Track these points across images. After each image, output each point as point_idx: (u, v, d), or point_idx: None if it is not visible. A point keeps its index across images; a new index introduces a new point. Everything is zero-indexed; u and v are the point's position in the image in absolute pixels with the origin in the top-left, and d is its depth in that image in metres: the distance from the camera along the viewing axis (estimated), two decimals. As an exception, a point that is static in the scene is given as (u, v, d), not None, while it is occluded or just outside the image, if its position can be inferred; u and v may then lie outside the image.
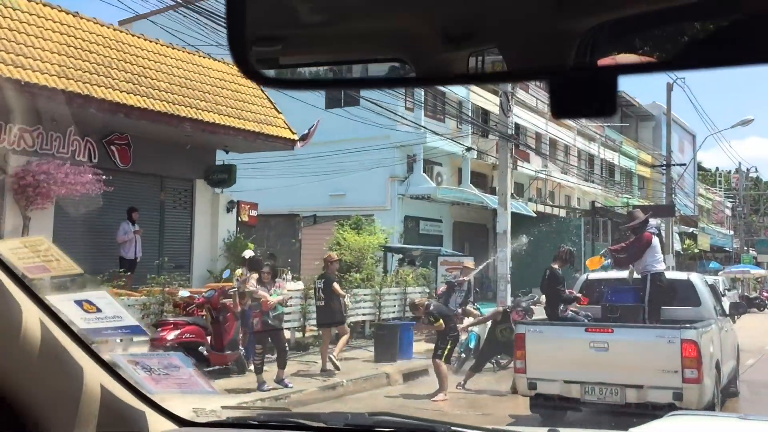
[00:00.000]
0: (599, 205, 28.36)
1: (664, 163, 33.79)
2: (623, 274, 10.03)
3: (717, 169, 72.48)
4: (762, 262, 60.45)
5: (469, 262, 12.95)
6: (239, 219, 16.37)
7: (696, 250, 37.34)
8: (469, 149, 21.54)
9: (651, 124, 47.19)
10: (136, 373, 2.04)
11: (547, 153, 33.51)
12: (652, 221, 10.86)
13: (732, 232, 56.69)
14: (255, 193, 23.16)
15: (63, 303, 1.92)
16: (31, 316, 1.61)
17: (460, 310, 11.89)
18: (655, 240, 9.83)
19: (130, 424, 1.89)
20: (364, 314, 14.56)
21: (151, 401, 1.98)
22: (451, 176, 25.91)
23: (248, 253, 12.09)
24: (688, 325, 8.21)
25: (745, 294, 38.44)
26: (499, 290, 17.10)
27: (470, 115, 25.26)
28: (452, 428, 2.01)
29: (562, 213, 28.47)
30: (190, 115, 13.55)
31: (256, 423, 2.18)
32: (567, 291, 9.89)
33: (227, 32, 1.08)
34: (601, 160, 38.61)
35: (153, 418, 1.95)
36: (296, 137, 16.08)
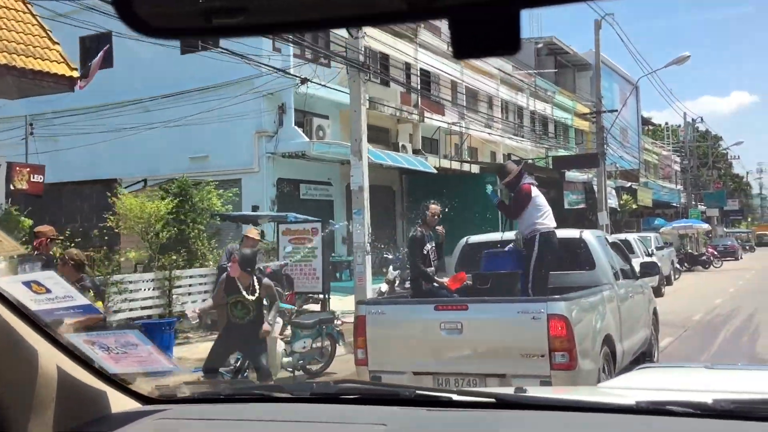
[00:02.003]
0: (516, 159, 24.68)
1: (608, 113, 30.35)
2: (509, 235, 8.55)
3: (666, 123, 69.63)
4: (711, 217, 58.01)
5: (252, 230, 9.21)
6: (12, 187, 12.39)
7: (634, 206, 34.05)
8: (304, 81, 17.51)
9: (589, 74, 43.61)
10: (95, 353, 1.99)
11: (464, 104, 29.78)
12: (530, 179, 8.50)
13: (681, 187, 53.79)
14: (91, 154, 19.18)
15: (11, 285, 1.90)
16: None
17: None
18: (537, 192, 8.17)
19: (92, 405, 1.89)
20: (142, 308, 10.74)
21: (113, 380, 1.99)
22: (342, 130, 22.02)
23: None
24: (557, 296, 6.60)
25: (689, 251, 35.35)
26: (356, 264, 13.34)
27: (366, 59, 21.32)
28: (417, 392, 2.03)
29: (476, 169, 24.72)
30: None
31: (222, 397, 2.20)
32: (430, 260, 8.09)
33: None
34: (531, 112, 35.00)
35: (115, 397, 1.96)
36: (77, 74, 12.06)
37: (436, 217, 8.53)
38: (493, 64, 31.06)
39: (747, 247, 58.14)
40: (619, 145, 44.53)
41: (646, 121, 63.78)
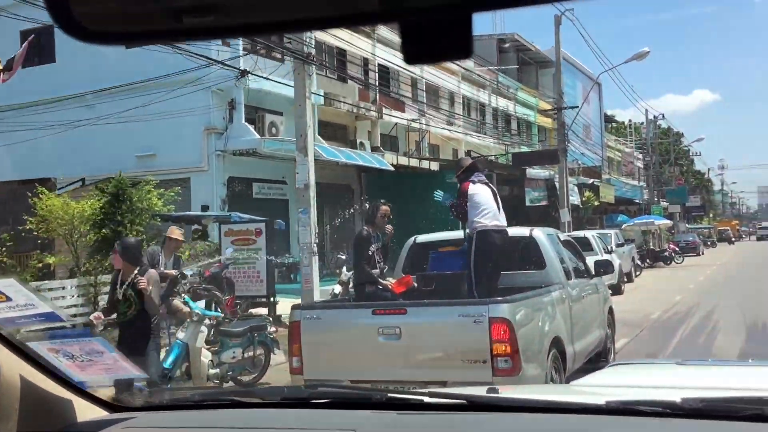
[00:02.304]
0: (476, 155, 24.26)
1: (569, 109, 30.08)
2: (458, 234, 8.39)
3: (630, 121, 69.99)
4: (674, 213, 58.37)
5: (174, 230, 8.56)
6: None
7: (596, 203, 33.90)
8: (243, 73, 16.83)
9: (552, 71, 43.44)
10: (59, 362, 1.94)
11: (425, 100, 29.32)
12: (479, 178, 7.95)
13: (644, 184, 53.98)
14: (32, 152, 18.31)
15: None
16: None
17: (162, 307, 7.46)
18: (476, 189, 7.68)
19: (57, 415, 1.86)
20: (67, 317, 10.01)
21: (79, 389, 1.95)
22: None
23: None
24: (499, 299, 6.29)
25: (651, 248, 35.31)
26: (302, 265, 12.74)
27: (312, 50, 20.71)
28: (389, 395, 2.03)
29: (436, 167, 24.23)
30: None
31: (191, 403, 2.16)
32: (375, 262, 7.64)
33: None
34: (493, 109, 34.67)
35: (81, 406, 1.93)
36: (-1, 67, 11.33)
37: (385, 218, 8.13)
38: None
39: (709, 243, 58.66)
40: (582, 141, 44.55)
41: (609, 119, 64.00)
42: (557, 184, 29.02)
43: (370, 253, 7.81)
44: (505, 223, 7.85)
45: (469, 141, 31.28)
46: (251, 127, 18.99)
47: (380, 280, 7.73)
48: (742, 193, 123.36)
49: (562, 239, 9.19)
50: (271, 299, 12.62)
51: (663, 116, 53.17)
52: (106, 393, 2.05)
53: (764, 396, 1.87)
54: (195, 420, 2.03)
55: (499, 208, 7.79)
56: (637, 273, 26.56)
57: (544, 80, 44.31)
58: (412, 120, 26.29)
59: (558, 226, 28.25)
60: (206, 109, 18.48)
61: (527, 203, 27.58)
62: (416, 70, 27.53)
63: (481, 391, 2.16)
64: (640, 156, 56.36)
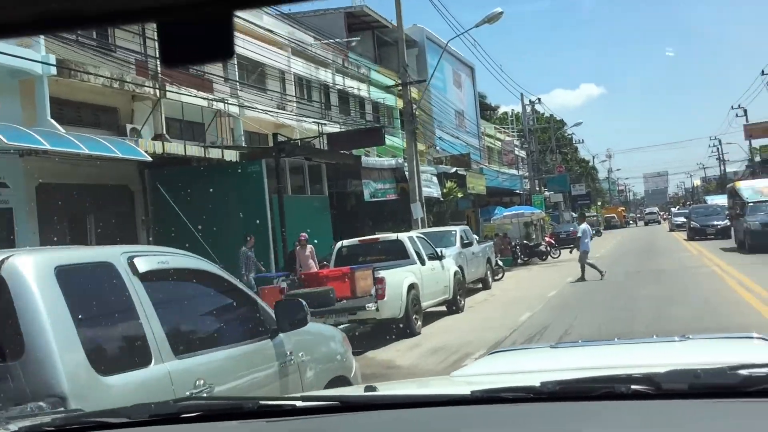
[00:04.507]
0: (283, 139, 18.96)
1: (415, 84, 25.23)
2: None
3: (512, 110, 66.54)
4: (557, 202, 55.13)
5: None
6: None
7: (459, 195, 29.32)
8: None
9: (414, 51, 38.85)
10: None
11: (247, 81, 23.84)
12: None
13: (525, 173, 50.19)
14: None
15: None
16: None
17: None
18: None
19: None
20: None
21: None
22: (24, 109, 15.55)
23: None
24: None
25: (525, 242, 31.07)
26: None
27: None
28: (260, 402, 2.02)
29: (234, 156, 18.70)
30: None
31: (52, 429, 2.09)
32: None
33: None
34: (338, 91, 29.54)
35: None
36: None
37: None
38: (281, 32, 25.33)
39: (594, 232, 55.71)
40: (453, 127, 40.17)
41: (486, 106, 60.36)
42: (407, 174, 24.19)
43: None
44: None
45: (307, 128, 25.96)
46: None
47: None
48: (628, 180, 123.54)
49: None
50: None
51: (539, 100, 49.56)
52: None
53: (616, 374, 1.89)
54: None
55: None
56: (498, 276, 22.00)
57: (409, 62, 39.54)
58: (216, 101, 20.74)
59: (411, 221, 23.52)
60: None
61: (366, 198, 22.54)
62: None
63: (358, 390, 2.32)
64: (518, 144, 52.64)
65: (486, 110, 59.32)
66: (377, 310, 11.79)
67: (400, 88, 24.62)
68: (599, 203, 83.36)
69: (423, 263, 13.89)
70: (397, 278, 12.45)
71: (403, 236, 14.33)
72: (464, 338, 11.66)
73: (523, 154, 51.98)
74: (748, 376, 1.74)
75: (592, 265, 19.51)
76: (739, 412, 1.68)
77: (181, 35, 0.93)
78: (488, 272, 20.08)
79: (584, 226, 21.37)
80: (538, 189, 48.48)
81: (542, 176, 49.11)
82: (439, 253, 14.83)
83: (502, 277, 22.48)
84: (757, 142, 56.31)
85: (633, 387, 1.76)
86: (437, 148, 33.59)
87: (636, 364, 2.45)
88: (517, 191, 45.89)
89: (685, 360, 2.57)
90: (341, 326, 13.26)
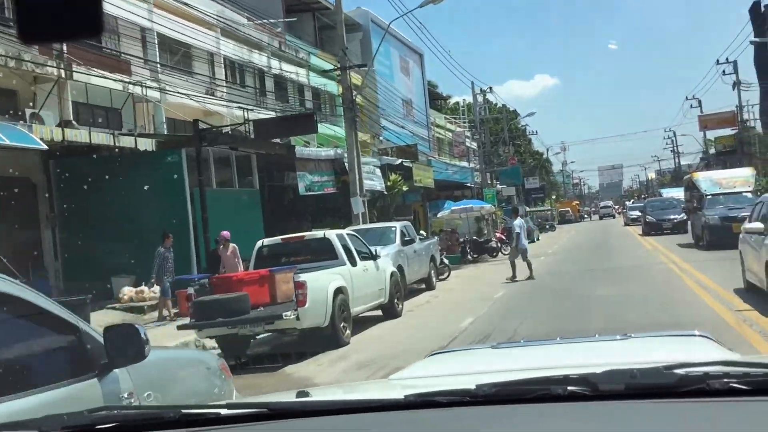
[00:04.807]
0: (205, 126, 17.60)
1: (354, 68, 24.08)
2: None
3: (464, 100, 65.78)
4: (510, 196, 54.71)
5: None
6: None
7: (405, 188, 28.29)
8: None
9: (358, 36, 37.74)
10: None
11: (172, 63, 22.41)
12: None
13: (477, 165, 49.46)
14: None
15: None
16: None
17: None
18: None
19: None
20: None
21: None
22: None
23: None
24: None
25: (474, 238, 30.26)
26: None
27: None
28: (182, 411, 1.97)
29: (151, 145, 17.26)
30: None
31: None
32: None
33: None
34: (274, 76, 28.24)
35: None
36: None
37: None
38: (210, 10, 23.91)
39: (548, 227, 55.49)
40: (399, 117, 39.16)
41: (438, 96, 59.62)
42: (348, 166, 23.07)
43: None
44: None
45: (239, 115, 24.56)
46: None
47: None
48: (583, 173, 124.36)
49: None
50: None
51: (491, 89, 48.81)
52: None
53: (552, 376, 1.90)
54: None
55: None
56: (443, 276, 21.06)
57: (352, 47, 38.45)
58: (132, 84, 19.27)
59: (350, 216, 22.45)
60: None
61: (301, 191, 21.32)
62: (144, 17, 20.66)
63: (289, 396, 2.20)
64: (470, 135, 51.92)
65: (436, 99, 58.55)
66: (297, 318, 10.51)
67: (339, 72, 23.42)
68: (553, 197, 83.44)
69: (354, 264, 12.73)
70: (322, 282, 11.24)
71: (331, 234, 13.17)
72: (397, 348, 10.61)
73: (474, 145, 51.28)
74: (684, 375, 1.76)
75: (529, 265, 18.84)
76: (674, 412, 1.69)
77: (42, 8, 0.88)
78: (432, 272, 19.08)
79: (518, 221, 20.27)
80: (489, 182, 47.85)
81: (494, 169, 48.43)
82: (374, 252, 13.74)
83: (448, 276, 21.53)
84: (712, 134, 56.80)
85: (569, 388, 1.78)
86: (380, 138, 32.49)
87: (575, 364, 2.46)
88: (468, 184, 45.11)
89: (624, 359, 2.57)
90: (260, 336, 12.18)
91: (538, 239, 42.05)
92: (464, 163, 47.48)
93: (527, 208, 61.47)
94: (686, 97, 60.01)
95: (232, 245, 14.96)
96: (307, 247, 13.11)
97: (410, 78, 45.23)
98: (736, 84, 47.56)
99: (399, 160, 29.14)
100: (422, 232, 26.58)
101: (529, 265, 18.82)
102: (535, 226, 45.43)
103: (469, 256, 28.38)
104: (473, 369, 2.73)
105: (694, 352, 2.69)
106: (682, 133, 75.13)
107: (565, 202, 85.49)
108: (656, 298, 13.00)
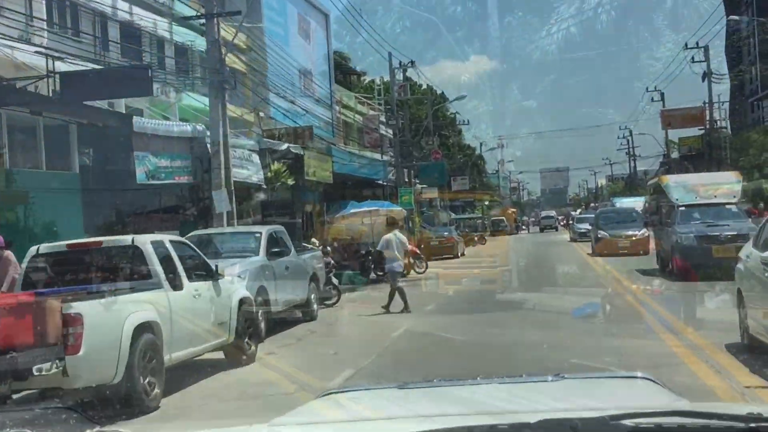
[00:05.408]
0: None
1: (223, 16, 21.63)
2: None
3: (382, 78, 63.72)
4: (434, 198, 53.09)
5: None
6: None
7: (290, 182, 25.86)
8: None
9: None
10: None
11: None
12: None
13: (392, 159, 47.45)
14: None
15: None
16: None
17: None
18: None
19: None
20: None
21: None
22: None
23: None
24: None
25: (379, 250, 28.06)
26: None
27: None
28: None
29: None
30: None
31: None
32: None
33: None
34: (120, 23, 25.48)
35: None
36: None
37: None
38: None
39: (476, 238, 54.00)
40: (298, 94, 36.78)
41: (349, 71, 57.61)
42: (210, 148, 20.57)
43: None
44: None
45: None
46: None
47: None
48: (521, 175, 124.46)
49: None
50: None
51: (413, 63, 46.82)
52: None
53: (477, 424, 1.98)
54: None
55: None
56: (331, 300, 18.83)
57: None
58: None
59: (213, 217, 20.04)
60: None
61: (140, 178, 18.65)
62: None
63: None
64: (385, 120, 49.96)
65: (347, 74, 56.46)
66: (63, 372, 8.09)
67: (204, 21, 20.93)
68: (486, 203, 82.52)
69: (177, 286, 10.26)
70: (113, 314, 8.77)
71: (142, 240, 10.48)
72: (224, 419, 8.30)
73: (390, 133, 49.24)
74: (634, 427, 1.86)
75: (402, 293, 16.73)
76: None
77: None
78: (313, 295, 16.72)
79: (389, 235, 17.98)
80: (407, 180, 45.86)
81: (413, 164, 46.53)
82: (215, 269, 11.33)
83: (338, 301, 19.28)
84: (675, 134, 56.67)
85: None
86: (263, 115, 30.01)
87: (503, 410, 2.54)
88: (380, 181, 42.97)
89: (559, 405, 2.64)
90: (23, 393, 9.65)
91: (461, 254, 40.63)
92: (377, 155, 45.40)
93: (452, 215, 60.13)
94: (647, 89, 59.77)
95: (6, 252, 12.26)
96: (106, 258, 10.56)
97: (311, 43, 42.96)
98: (707, 74, 47.30)
99: (285, 145, 26.70)
100: (314, 240, 24.27)
101: (402, 294, 16.73)
102: (459, 237, 43.95)
103: (372, 274, 26.15)
104: (374, 414, 2.75)
105: (639, 398, 2.83)
106: (639, 132, 75.11)
107: (499, 209, 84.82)
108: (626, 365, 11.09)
